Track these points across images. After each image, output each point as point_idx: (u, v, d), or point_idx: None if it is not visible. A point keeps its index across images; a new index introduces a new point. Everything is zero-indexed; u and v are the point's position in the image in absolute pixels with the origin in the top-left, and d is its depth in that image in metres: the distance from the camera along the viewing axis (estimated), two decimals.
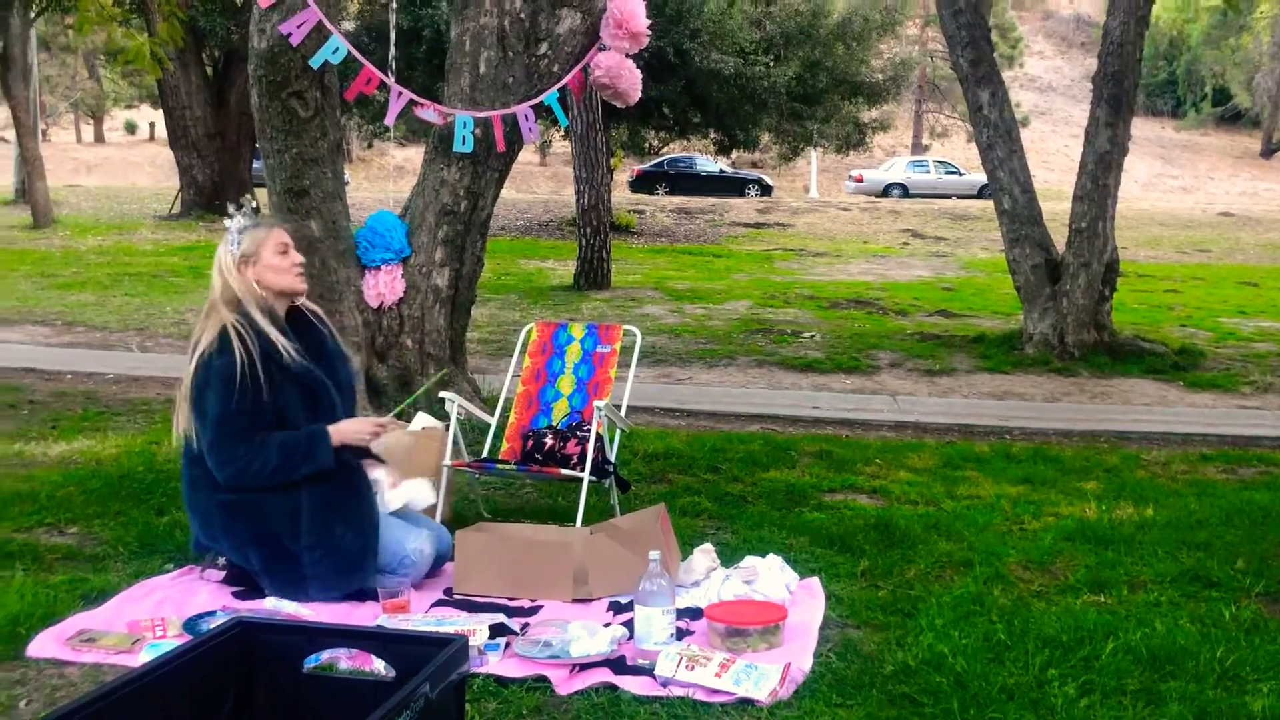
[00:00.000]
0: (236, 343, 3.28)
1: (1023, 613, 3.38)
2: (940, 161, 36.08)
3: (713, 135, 23.63)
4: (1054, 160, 43.22)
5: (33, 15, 20.40)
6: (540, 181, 40.24)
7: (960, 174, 33.65)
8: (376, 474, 3.63)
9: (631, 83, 5.79)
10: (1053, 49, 58.72)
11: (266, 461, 3.30)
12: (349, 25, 18.76)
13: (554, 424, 4.70)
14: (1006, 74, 10.79)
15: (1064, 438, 6.73)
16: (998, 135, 9.65)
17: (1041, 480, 5.37)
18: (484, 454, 4.65)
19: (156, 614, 3.19)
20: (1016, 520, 4.59)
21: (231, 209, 3.54)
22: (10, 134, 26.01)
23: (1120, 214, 9.94)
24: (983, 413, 7.54)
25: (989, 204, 11.51)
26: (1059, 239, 9.73)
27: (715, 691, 2.76)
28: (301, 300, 3.62)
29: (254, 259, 3.45)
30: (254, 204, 3.59)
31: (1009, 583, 3.72)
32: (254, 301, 3.40)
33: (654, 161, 32.70)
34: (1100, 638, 3.13)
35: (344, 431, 3.42)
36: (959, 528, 4.38)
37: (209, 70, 22.20)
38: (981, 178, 16.61)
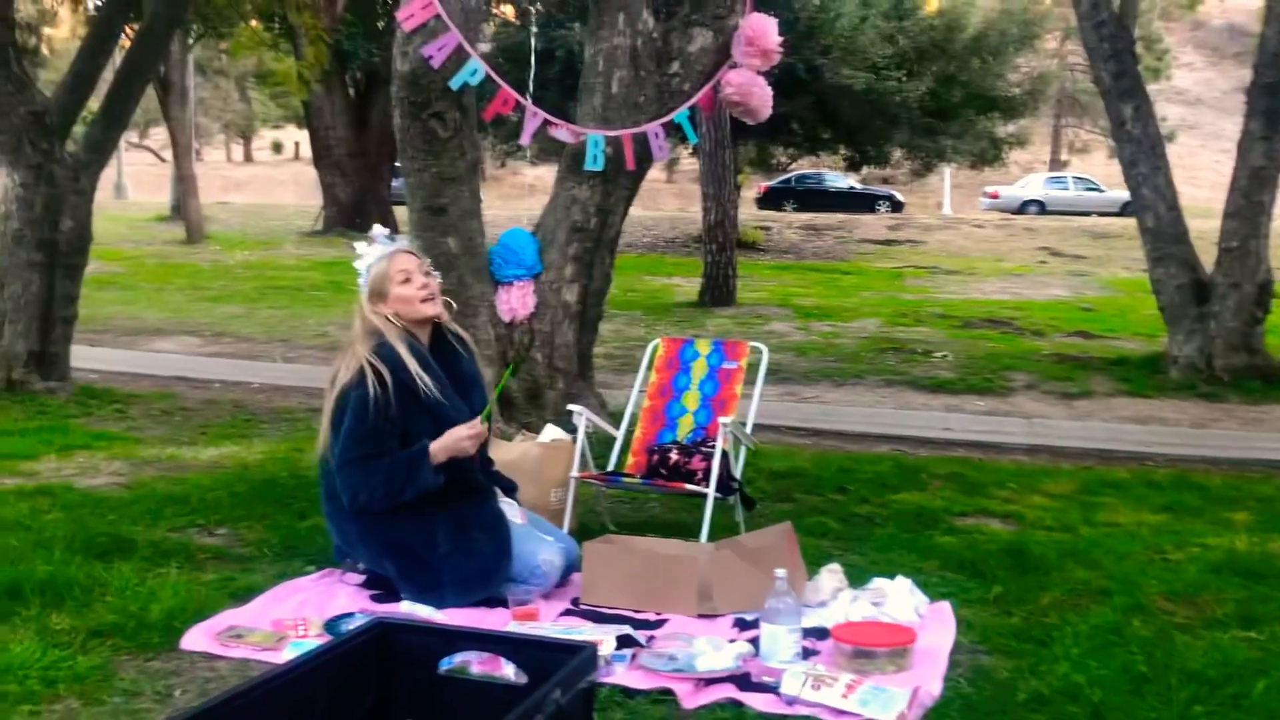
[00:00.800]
0: (371, 378, 3.39)
1: (1165, 645, 3.24)
2: (1079, 178, 34.98)
3: (843, 151, 23.42)
4: (1202, 177, 41.41)
5: (191, 41, 21.54)
6: (667, 198, 40.46)
7: (1101, 191, 32.55)
8: (503, 505, 3.70)
9: (762, 99, 5.80)
10: (1203, 60, 56.36)
11: (374, 488, 3.42)
12: (485, 47, 19.22)
13: (679, 439, 4.73)
14: (1152, 87, 10.42)
15: (1211, 465, 6.44)
16: (1141, 151, 9.31)
17: (1186, 509, 5.15)
18: (609, 467, 4.70)
19: (299, 614, 3.32)
20: (1158, 550, 4.41)
21: (356, 246, 3.63)
22: (168, 154, 27.49)
23: (1276, 232, 9.49)
24: (1123, 437, 7.27)
25: (1131, 221, 11.11)
26: (1207, 258, 9.34)
27: (842, 713, 2.73)
28: (445, 321, 3.72)
29: (383, 295, 3.56)
30: (371, 236, 3.66)
31: (1150, 614, 3.57)
32: (393, 333, 3.50)
33: (782, 178, 32.56)
34: (1250, 675, 2.98)
35: (444, 445, 3.45)
36: (1097, 555, 4.23)
37: (351, 91, 23.05)
38: (1124, 194, 16.05)
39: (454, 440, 3.46)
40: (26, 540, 3.89)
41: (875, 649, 3.01)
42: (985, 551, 4.20)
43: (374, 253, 3.61)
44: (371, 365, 3.41)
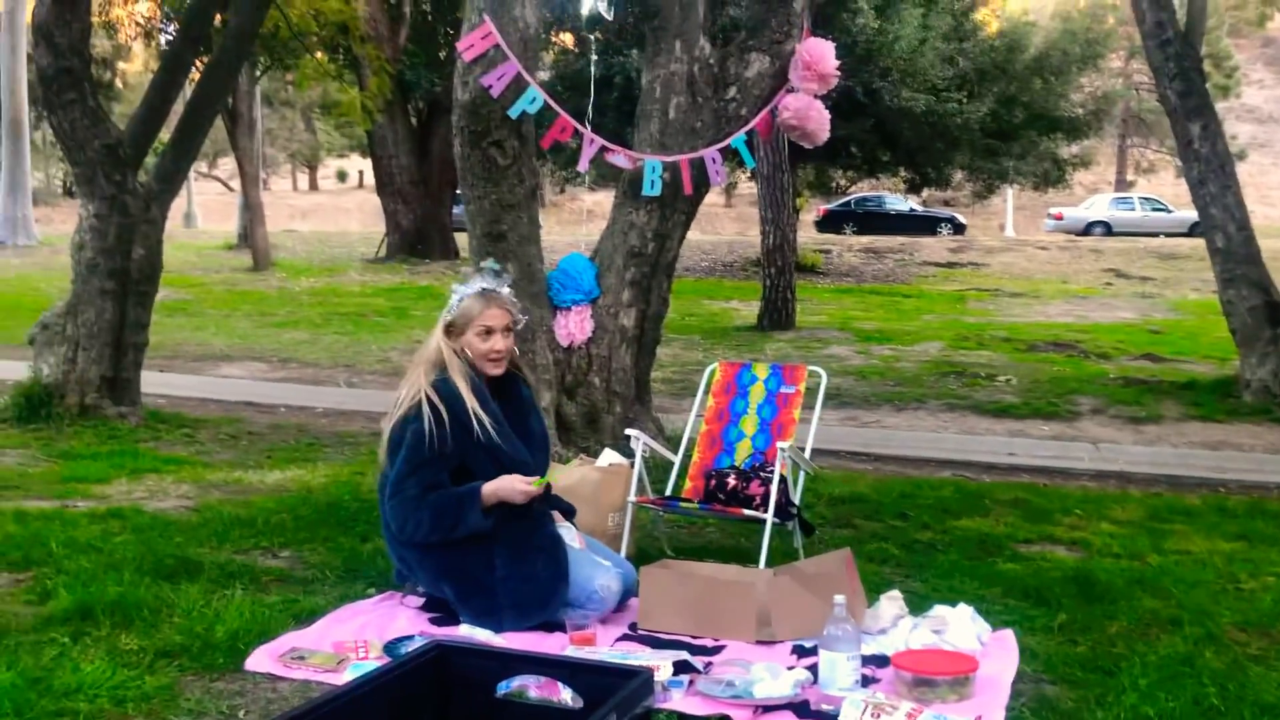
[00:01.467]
0: (428, 413, 3.42)
1: (1238, 677, 3.15)
2: (1146, 198, 34.39)
3: (903, 174, 23.28)
4: (1275, 195, 40.53)
5: (258, 74, 22.06)
6: (725, 222, 40.50)
7: (1169, 211, 31.96)
8: (561, 529, 3.71)
9: (820, 123, 5.79)
10: (1273, 77, 55.21)
11: (420, 523, 3.44)
12: (544, 75, 19.46)
13: (737, 464, 4.71)
14: (1221, 105, 10.23)
15: None
16: (1210, 170, 9.14)
17: (1260, 537, 5.01)
18: (667, 492, 4.69)
19: (359, 636, 3.35)
20: (1231, 578, 4.30)
21: (481, 266, 3.62)
22: (236, 183, 28.14)
23: None
24: (1193, 463, 7.10)
25: (1200, 242, 10.89)
26: None
27: None
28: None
29: (460, 332, 3.59)
30: (483, 267, 3.66)
31: (1223, 644, 3.48)
32: (456, 367, 3.53)
33: (841, 201, 32.44)
34: None
35: (496, 490, 3.43)
36: (1166, 584, 4.13)
37: (414, 120, 23.43)
38: (1192, 215, 15.74)
39: (508, 488, 3.45)
40: (98, 562, 3.98)
41: (936, 677, 2.97)
42: (1050, 579, 4.12)
43: (474, 287, 3.62)
44: (429, 399, 3.45)
